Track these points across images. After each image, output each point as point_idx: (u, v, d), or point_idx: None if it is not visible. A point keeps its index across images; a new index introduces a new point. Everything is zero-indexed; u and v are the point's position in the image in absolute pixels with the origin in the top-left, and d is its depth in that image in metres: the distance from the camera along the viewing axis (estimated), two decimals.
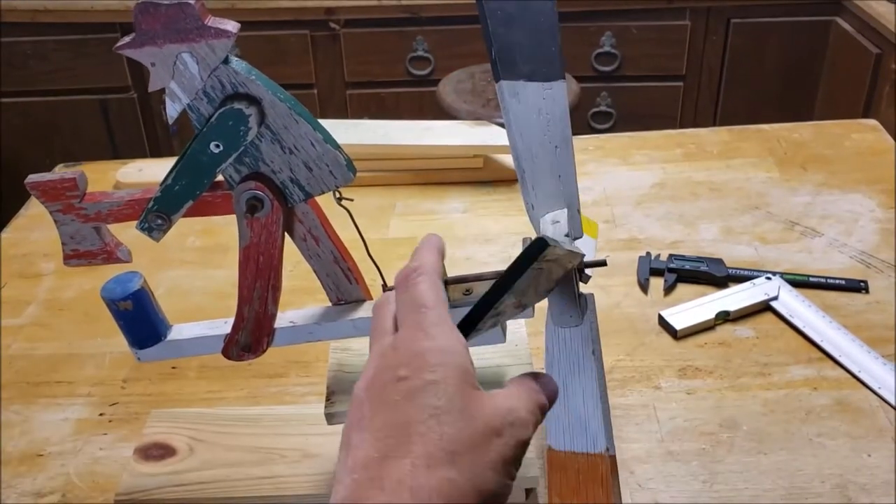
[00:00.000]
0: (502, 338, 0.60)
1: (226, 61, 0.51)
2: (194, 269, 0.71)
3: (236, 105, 0.51)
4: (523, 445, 0.38)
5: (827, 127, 1.16)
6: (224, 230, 0.97)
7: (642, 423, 0.70)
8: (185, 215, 0.55)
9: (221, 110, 0.51)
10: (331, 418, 0.60)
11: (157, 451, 0.68)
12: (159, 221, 0.55)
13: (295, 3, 1.96)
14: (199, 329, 0.61)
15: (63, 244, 0.57)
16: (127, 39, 0.50)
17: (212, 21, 0.50)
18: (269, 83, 0.52)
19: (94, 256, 0.57)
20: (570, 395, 0.50)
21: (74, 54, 2.01)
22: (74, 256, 0.57)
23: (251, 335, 0.59)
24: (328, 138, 0.54)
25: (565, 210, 0.55)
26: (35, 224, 1.03)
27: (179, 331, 0.61)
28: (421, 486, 0.33)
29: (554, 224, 0.55)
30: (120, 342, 0.81)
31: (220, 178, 0.55)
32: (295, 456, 0.67)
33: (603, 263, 0.55)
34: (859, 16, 1.84)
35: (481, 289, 0.58)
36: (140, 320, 0.59)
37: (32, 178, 0.54)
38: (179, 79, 0.51)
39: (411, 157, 1.06)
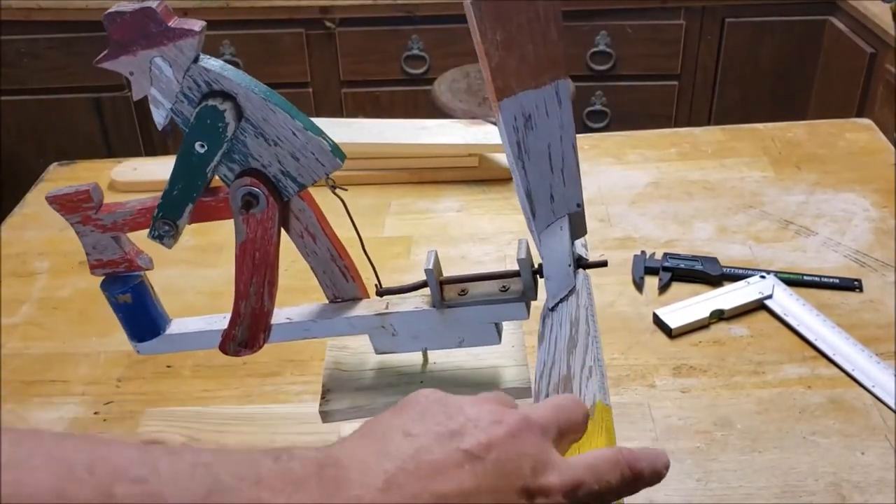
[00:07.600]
0: (497, 339, 0.60)
1: (196, 60, 0.52)
2: (189, 268, 0.70)
3: (210, 102, 0.52)
4: None
5: (821, 126, 1.16)
6: (218, 229, 0.97)
7: (637, 422, 0.71)
8: (191, 221, 0.56)
9: (197, 110, 0.52)
10: (325, 416, 0.60)
11: None
12: (167, 228, 0.56)
13: (290, 2, 1.95)
14: (198, 324, 0.62)
15: (87, 254, 0.58)
16: (103, 53, 0.51)
17: (176, 22, 0.51)
18: (243, 77, 0.53)
19: (116, 265, 0.59)
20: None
21: (68, 53, 2.01)
22: (99, 266, 0.59)
23: (248, 331, 0.60)
24: (308, 125, 0.54)
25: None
26: (29, 223, 1.02)
27: (178, 325, 0.62)
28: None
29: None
30: (114, 341, 0.82)
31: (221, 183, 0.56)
32: None
33: (604, 264, 0.56)
34: (853, 15, 1.84)
35: (475, 289, 0.58)
36: (139, 314, 0.60)
37: (51, 192, 0.56)
38: (158, 84, 0.52)
39: (406, 156, 1.06)
